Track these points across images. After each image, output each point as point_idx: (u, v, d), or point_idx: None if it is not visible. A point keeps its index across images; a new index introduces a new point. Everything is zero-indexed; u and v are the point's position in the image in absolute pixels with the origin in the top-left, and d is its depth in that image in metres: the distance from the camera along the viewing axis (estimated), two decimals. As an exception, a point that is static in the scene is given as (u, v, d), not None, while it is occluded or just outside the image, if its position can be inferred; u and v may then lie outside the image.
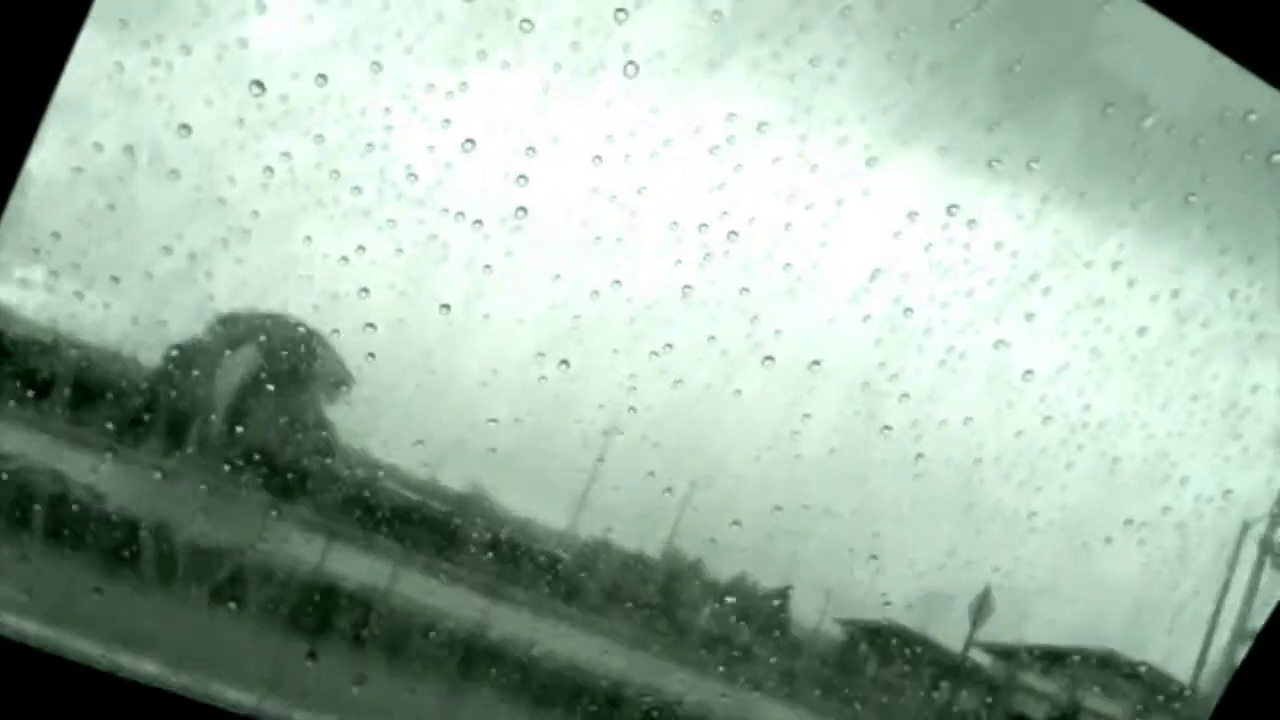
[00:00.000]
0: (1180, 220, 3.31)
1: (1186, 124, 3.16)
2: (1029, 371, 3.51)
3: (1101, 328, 3.49)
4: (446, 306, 3.22)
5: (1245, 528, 4.41)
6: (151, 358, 3.56)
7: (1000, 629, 4.77)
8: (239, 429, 3.79)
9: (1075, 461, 3.72)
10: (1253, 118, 3.13)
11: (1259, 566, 5.20)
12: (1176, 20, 2.71)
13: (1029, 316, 3.41)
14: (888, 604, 3.87)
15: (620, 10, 2.80)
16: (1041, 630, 4.70)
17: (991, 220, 3.26)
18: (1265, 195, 3.28)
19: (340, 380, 4.47)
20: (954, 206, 3.21)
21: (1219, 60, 2.65)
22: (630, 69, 2.91)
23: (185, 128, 2.88)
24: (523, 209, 3.06)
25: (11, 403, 3.48)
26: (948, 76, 3.02)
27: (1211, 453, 3.75)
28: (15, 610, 3.11)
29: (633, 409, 3.38)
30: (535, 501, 3.70)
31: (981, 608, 4.58)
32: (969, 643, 4.83)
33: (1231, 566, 4.74)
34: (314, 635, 3.81)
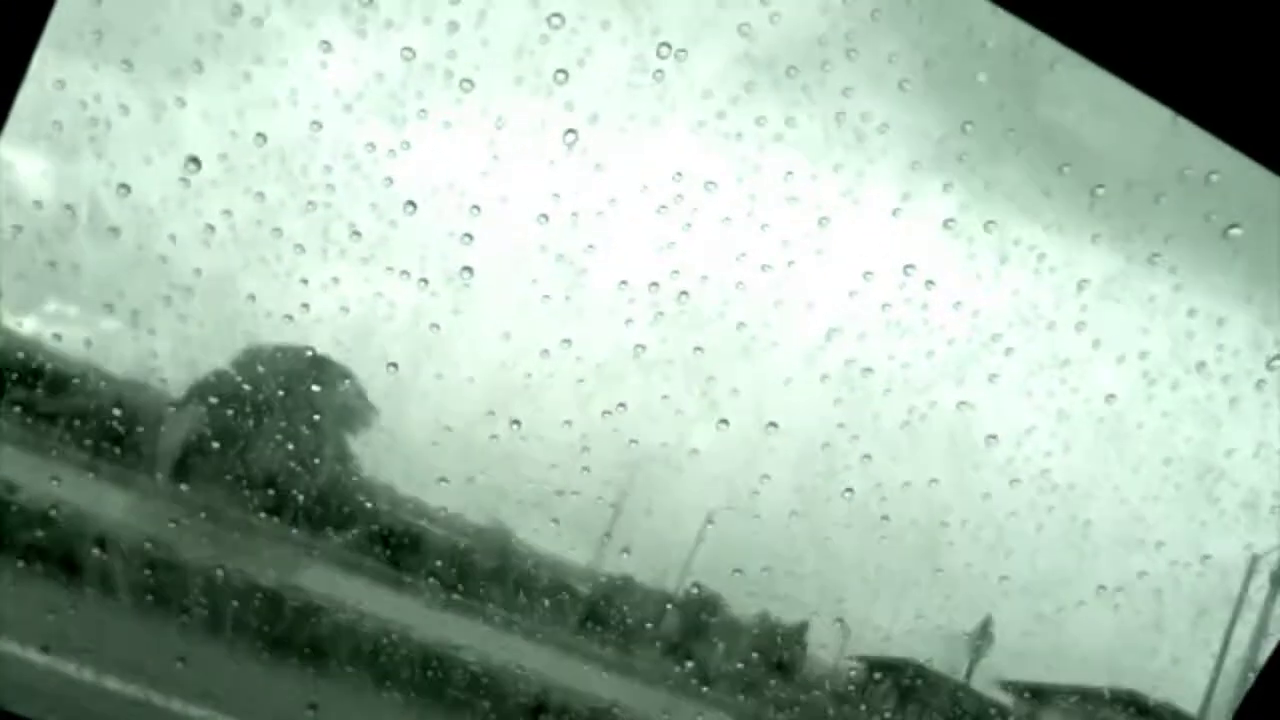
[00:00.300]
0: (1145, 281, 3.24)
1: (1146, 184, 3.09)
2: (993, 435, 3.43)
3: (1067, 389, 3.42)
4: (394, 365, 3.19)
5: (1254, 561, 4.24)
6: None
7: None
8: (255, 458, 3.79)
9: (1045, 524, 3.64)
10: (1215, 178, 3.07)
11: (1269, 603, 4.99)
12: (1131, 82, 2.66)
13: (992, 377, 3.34)
14: (852, 670, 3.78)
15: (560, 71, 2.77)
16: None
17: (949, 280, 3.20)
18: (1231, 256, 3.21)
19: (363, 413, 4.46)
20: (910, 266, 3.15)
21: (1180, 121, 2.59)
22: (574, 128, 2.88)
23: (125, 186, 2.87)
24: (468, 268, 3.03)
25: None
26: (898, 136, 2.98)
27: (1187, 516, 3.66)
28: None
29: (586, 469, 3.32)
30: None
31: (981, 637, 4.46)
32: (970, 670, 4.69)
33: (1235, 613, 4.58)
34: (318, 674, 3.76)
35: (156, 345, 3.08)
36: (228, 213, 2.92)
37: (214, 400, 3.72)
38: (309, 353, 3.84)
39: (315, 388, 3.75)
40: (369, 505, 3.83)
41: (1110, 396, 3.40)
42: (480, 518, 3.38)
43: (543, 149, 2.97)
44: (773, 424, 3.34)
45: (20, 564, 3.28)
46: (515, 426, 3.26)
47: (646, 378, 3.25)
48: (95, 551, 3.45)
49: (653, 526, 3.57)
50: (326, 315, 3.08)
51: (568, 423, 3.27)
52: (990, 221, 3.11)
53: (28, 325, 3.07)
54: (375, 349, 3.15)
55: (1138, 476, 3.57)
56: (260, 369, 3.77)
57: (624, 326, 3.18)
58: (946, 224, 3.10)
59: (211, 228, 2.93)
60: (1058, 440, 3.51)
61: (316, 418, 3.85)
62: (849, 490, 3.50)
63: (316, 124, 2.86)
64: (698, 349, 3.23)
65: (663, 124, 2.96)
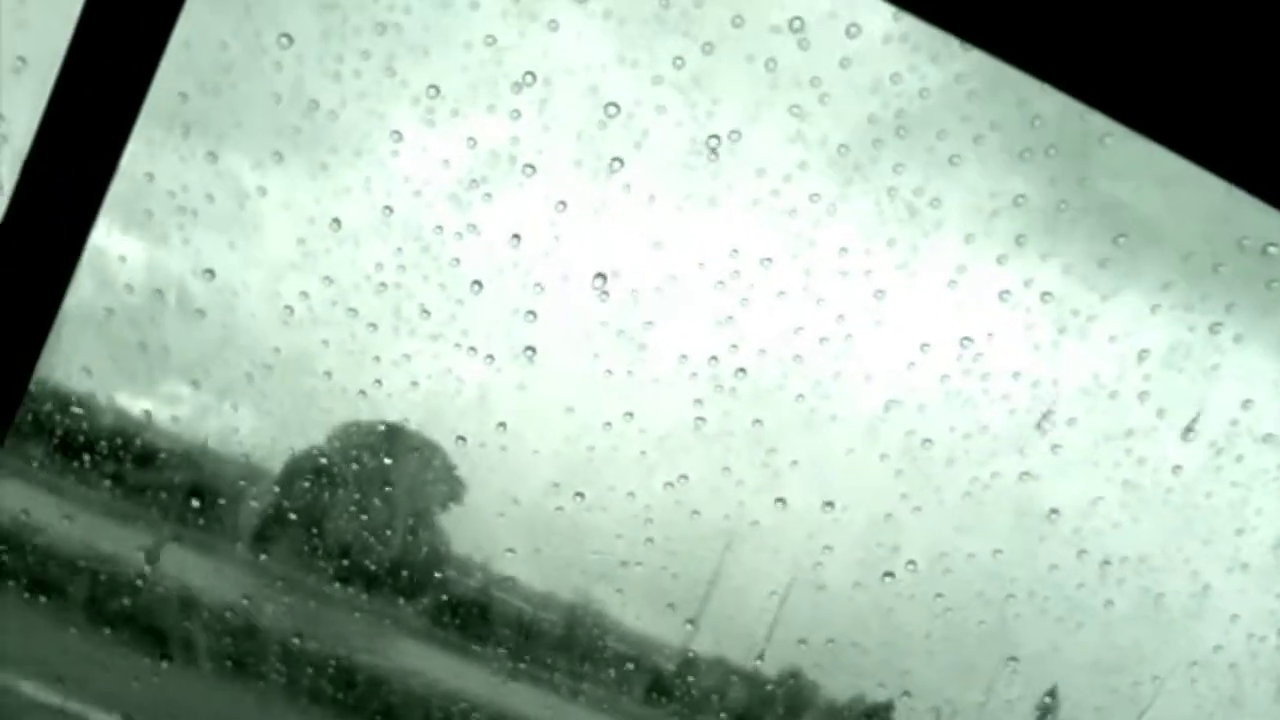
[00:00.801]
0: (1207, 351, 3.23)
1: (1203, 254, 3.11)
2: (1057, 509, 3.42)
3: (1133, 459, 3.40)
4: (462, 439, 3.29)
5: None
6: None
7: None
8: (349, 536, 3.94)
9: (1115, 598, 3.59)
10: (1273, 249, 3.08)
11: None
12: (1182, 153, 2.70)
13: (1054, 448, 3.34)
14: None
15: (616, 159, 2.89)
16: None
17: (1008, 351, 3.23)
18: (1292, 323, 3.19)
19: (455, 491, 4.60)
20: (967, 339, 3.19)
21: (1234, 191, 2.62)
22: (632, 208, 2.99)
23: (210, 271, 3.04)
24: (531, 347, 3.13)
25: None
26: (950, 210, 3.03)
27: (1261, 589, 3.59)
28: None
29: (650, 540, 3.38)
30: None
31: (1046, 708, 4.37)
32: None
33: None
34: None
35: (239, 420, 3.22)
36: (305, 294, 3.07)
37: (292, 472, 3.87)
38: (381, 426, 3.99)
39: (389, 460, 3.88)
40: (439, 575, 3.93)
41: (1177, 467, 3.37)
42: (547, 587, 3.45)
43: (602, 229, 3.08)
44: (830, 502, 3.38)
45: (107, 631, 3.43)
46: (579, 499, 3.34)
47: (708, 450, 3.31)
48: (180, 620, 3.58)
49: (718, 596, 3.60)
50: (397, 390, 3.21)
51: (631, 494, 3.34)
52: (1047, 293, 3.14)
53: (119, 402, 3.23)
54: (444, 423, 3.26)
55: (1209, 548, 3.52)
56: (337, 443, 3.92)
57: (684, 399, 3.25)
58: (1002, 296, 3.14)
59: (290, 309, 3.08)
60: (1126, 512, 3.48)
61: (390, 489, 3.98)
62: (912, 563, 3.51)
63: (388, 209, 3.01)
64: (757, 421, 3.29)
65: (718, 203, 3.06)
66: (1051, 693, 4.04)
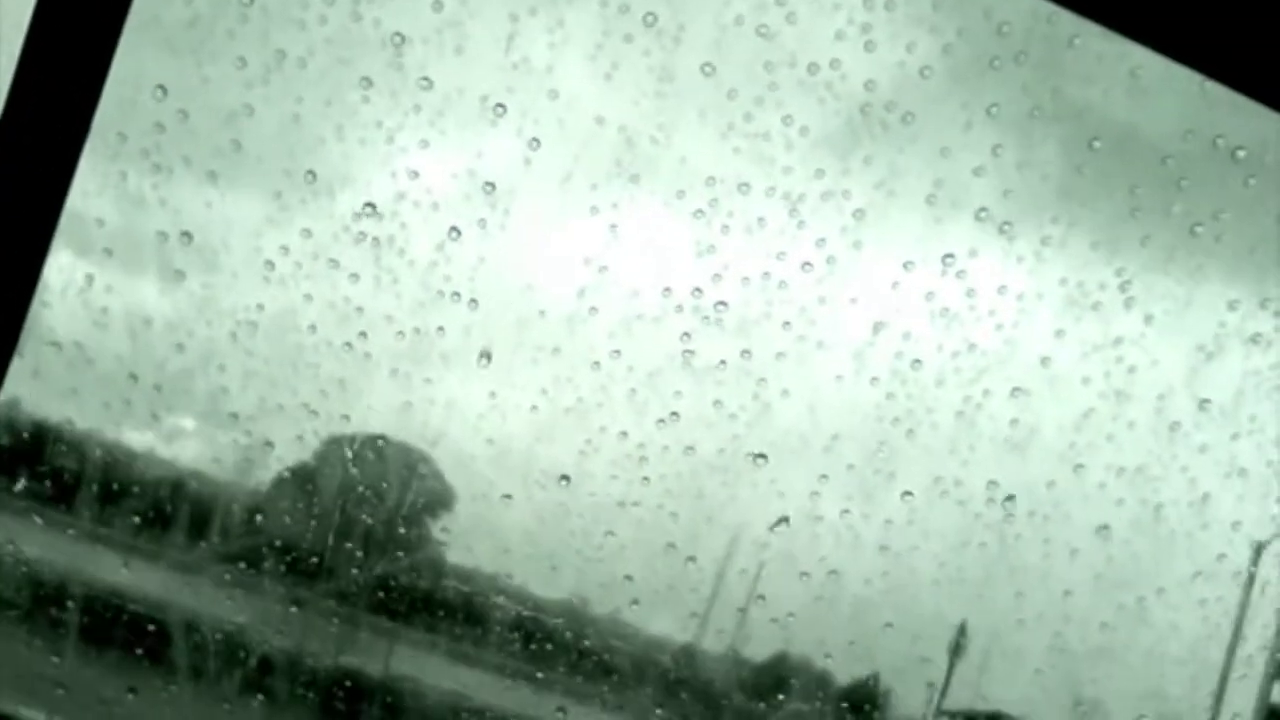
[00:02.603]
0: (1190, 253, 3.23)
1: (1181, 155, 3.10)
2: (1051, 420, 3.42)
3: (1123, 368, 3.39)
4: (443, 354, 3.26)
5: (1259, 549, 4.09)
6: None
7: (1067, 686, 4.54)
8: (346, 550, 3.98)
9: (1113, 512, 3.59)
10: (1243, 152, 3.08)
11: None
12: (1154, 47, 2.68)
13: (1044, 360, 3.34)
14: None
15: (590, 79, 2.89)
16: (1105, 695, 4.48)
17: (990, 265, 3.22)
18: (1274, 221, 3.19)
19: (444, 500, 4.61)
20: (949, 256, 3.19)
21: (1208, 85, 2.62)
22: (605, 141, 2.99)
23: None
24: (515, 288, 3.13)
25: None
26: (924, 125, 3.03)
27: (1261, 494, 3.58)
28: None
29: (646, 479, 3.38)
30: (548, 580, 3.69)
31: (957, 643, 4.37)
32: (945, 685, 4.54)
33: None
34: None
35: (227, 381, 3.22)
36: (284, 248, 3.07)
37: (293, 493, 3.90)
38: (381, 441, 4.00)
39: (387, 473, 3.90)
40: (444, 584, 3.97)
41: (1166, 374, 3.37)
42: (542, 527, 3.44)
43: (577, 164, 3.08)
44: (827, 423, 3.37)
45: (106, 654, 3.44)
46: (570, 440, 3.34)
47: (698, 384, 3.31)
48: (186, 641, 3.60)
49: (714, 538, 3.60)
50: (382, 343, 3.20)
51: (623, 433, 3.34)
52: (1025, 202, 3.14)
53: (138, 440, 3.29)
54: (431, 376, 3.25)
55: (1206, 455, 3.52)
56: (335, 458, 3.94)
57: (670, 334, 3.25)
58: (980, 210, 3.14)
59: (271, 264, 3.08)
60: (1119, 423, 3.48)
61: (390, 503, 4.01)
62: (909, 493, 3.51)
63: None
64: (745, 352, 3.28)
65: (692, 131, 3.05)
66: (961, 628, 4.05)
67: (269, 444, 3.34)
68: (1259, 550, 4.09)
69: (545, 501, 3.33)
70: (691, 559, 3.51)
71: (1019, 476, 3.52)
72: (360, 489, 4.06)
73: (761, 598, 3.78)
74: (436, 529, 4.53)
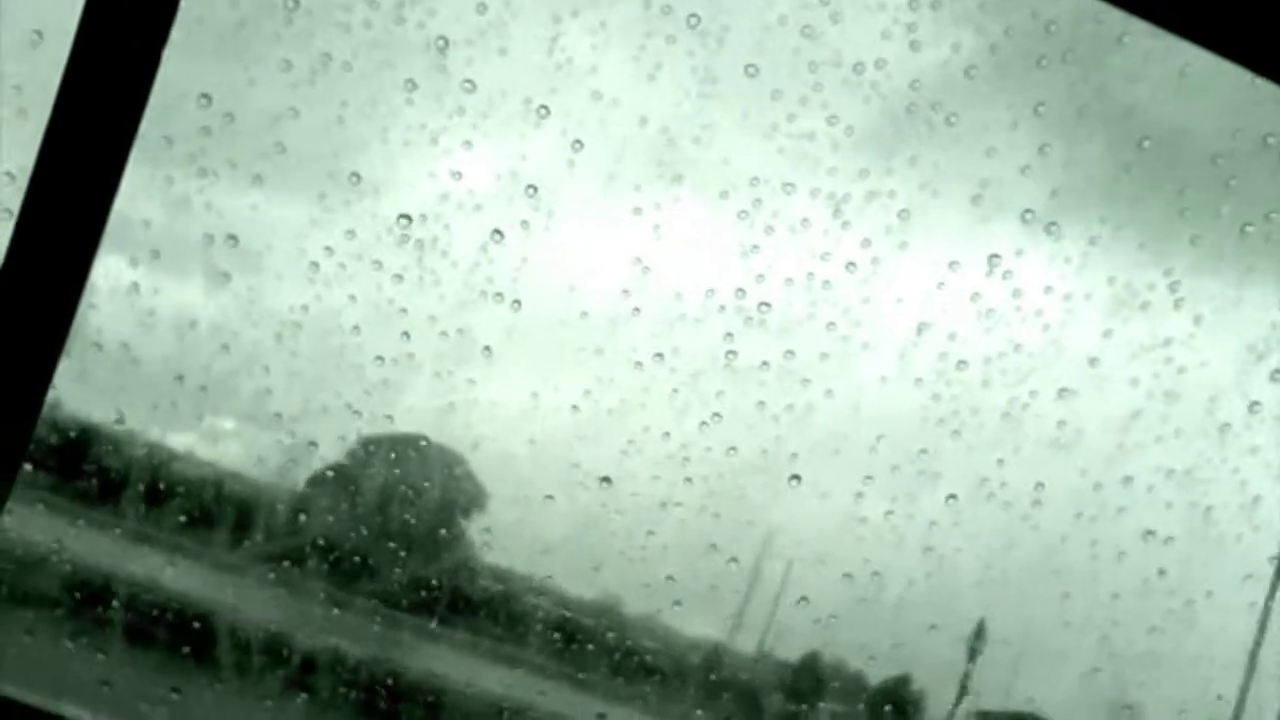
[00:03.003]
0: (1240, 253, 3.18)
1: (1230, 154, 3.06)
2: (1098, 422, 3.38)
3: (1172, 369, 3.35)
4: (488, 348, 3.24)
5: None
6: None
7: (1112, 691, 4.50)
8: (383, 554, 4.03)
9: (1162, 515, 3.54)
10: (1301, 139, 3.03)
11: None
12: (1203, 44, 2.65)
13: (1092, 362, 3.30)
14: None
15: (633, 80, 2.88)
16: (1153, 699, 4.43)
17: (1037, 265, 3.19)
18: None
19: (479, 501, 4.64)
20: (995, 256, 3.16)
21: (1259, 83, 2.58)
22: (649, 141, 2.98)
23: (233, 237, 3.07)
24: (557, 289, 3.13)
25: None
26: (970, 125, 3.00)
27: (1313, 496, 3.53)
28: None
29: (689, 479, 3.37)
30: (589, 580, 3.69)
31: (977, 640, 4.34)
32: (962, 686, 4.49)
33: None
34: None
35: (271, 383, 3.25)
36: (329, 249, 3.09)
37: (334, 492, 3.93)
38: (423, 441, 4.02)
39: (426, 473, 3.93)
40: (480, 583, 3.99)
41: (1219, 372, 3.33)
42: (582, 528, 3.44)
43: (623, 167, 3.08)
44: (870, 424, 3.36)
45: (161, 654, 3.48)
46: (613, 441, 3.34)
47: (740, 385, 3.30)
48: (230, 640, 3.63)
49: (755, 538, 3.59)
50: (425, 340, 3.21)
51: (666, 434, 3.34)
52: (1073, 202, 3.11)
53: (183, 441, 3.32)
54: (471, 357, 3.26)
55: (1256, 457, 3.47)
56: (374, 459, 3.97)
57: (713, 335, 3.24)
58: (1026, 210, 3.11)
59: (315, 264, 3.10)
60: (1168, 425, 3.44)
61: (429, 502, 4.03)
62: (953, 496, 3.48)
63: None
64: (789, 353, 3.27)
65: (736, 131, 3.04)
66: (979, 629, 4.01)
67: (313, 444, 3.36)
68: None
69: (587, 501, 3.33)
70: (734, 560, 3.50)
71: (1066, 479, 3.48)
72: (400, 488, 4.09)
73: (804, 599, 3.76)
74: (474, 529, 4.56)
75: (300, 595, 3.93)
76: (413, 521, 4.13)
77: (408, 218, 3.09)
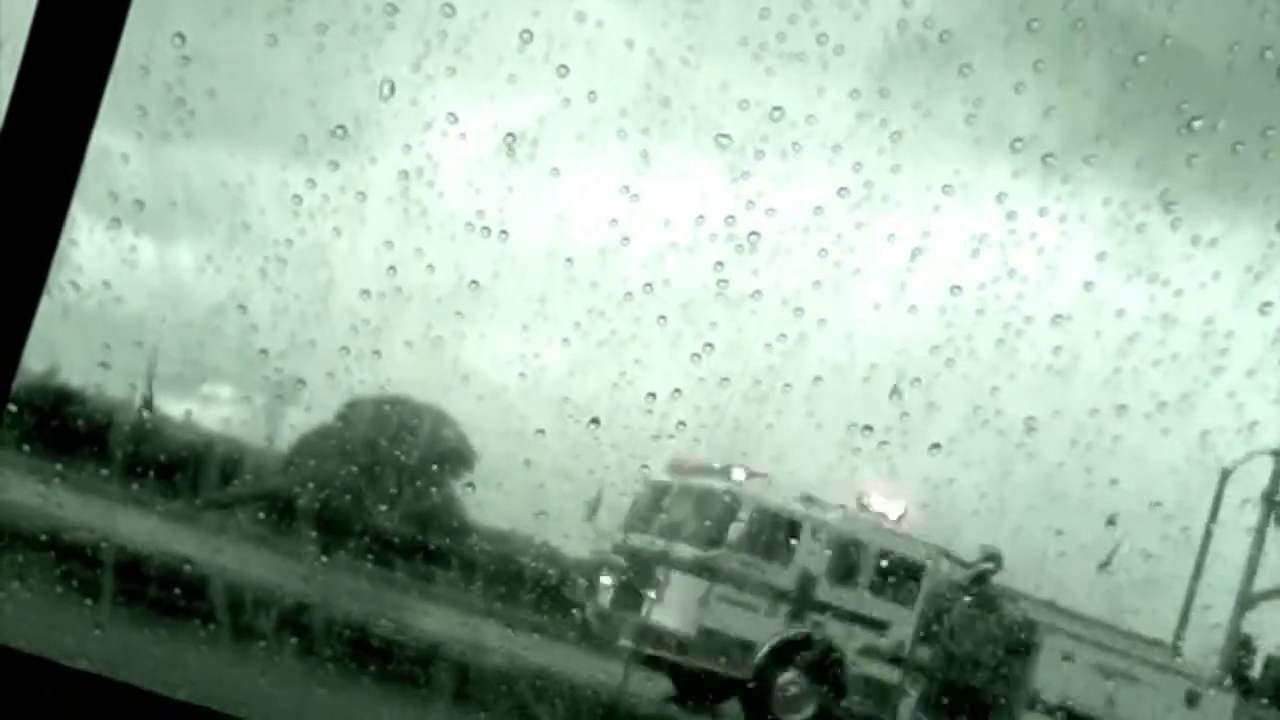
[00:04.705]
0: (1236, 171, 3.13)
1: (1225, 70, 3.00)
2: (1092, 351, 3.35)
3: (1169, 292, 3.32)
4: (475, 282, 3.19)
5: (1224, 476, 3.92)
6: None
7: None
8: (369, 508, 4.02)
9: (1159, 440, 3.53)
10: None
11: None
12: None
13: (1087, 285, 3.26)
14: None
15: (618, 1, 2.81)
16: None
17: (1032, 187, 3.14)
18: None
19: (466, 458, 4.61)
20: (988, 178, 3.11)
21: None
22: (633, 63, 2.92)
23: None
24: (546, 217, 3.08)
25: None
26: (963, 42, 2.94)
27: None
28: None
29: (680, 419, 3.34)
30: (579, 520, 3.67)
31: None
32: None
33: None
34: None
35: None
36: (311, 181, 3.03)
37: (319, 453, 3.91)
38: (409, 401, 3.99)
39: (413, 434, 3.90)
40: (471, 543, 4.01)
41: (1217, 294, 3.29)
42: (574, 458, 3.40)
43: (612, 101, 3.01)
44: (864, 351, 3.32)
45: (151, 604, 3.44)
46: (603, 377, 3.30)
47: (732, 315, 3.26)
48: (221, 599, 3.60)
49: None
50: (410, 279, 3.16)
51: (657, 366, 3.30)
52: (1067, 119, 3.06)
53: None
54: (458, 300, 3.21)
55: (1253, 380, 3.44)
56: (362, 420, 3.94)
57: (703, 263, 3.19)
58: (1021, 130, 3.06)
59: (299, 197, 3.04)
60: (1165, 349, 3.41)
61: (417, 463, 4.02)
62: (948, 441, 3.46)
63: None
64: (780, 281, 3.23)
65: (723, 51, 2.98)
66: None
67: (300, 381, 3.32)
68: (1225, 477, 3.99)
69: (579, 436, 3.30)
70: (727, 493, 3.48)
71: (1062, 405, 3.46)
72: (384, 447, 4.07)
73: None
74: (459, 486, 4.56)
75: (289, 551, 3.93)
76: (399, 479, 4.12)
77: (392, 147, 3.03)
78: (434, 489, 4.35)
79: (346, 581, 4.06)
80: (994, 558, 4.56)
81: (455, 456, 4.57)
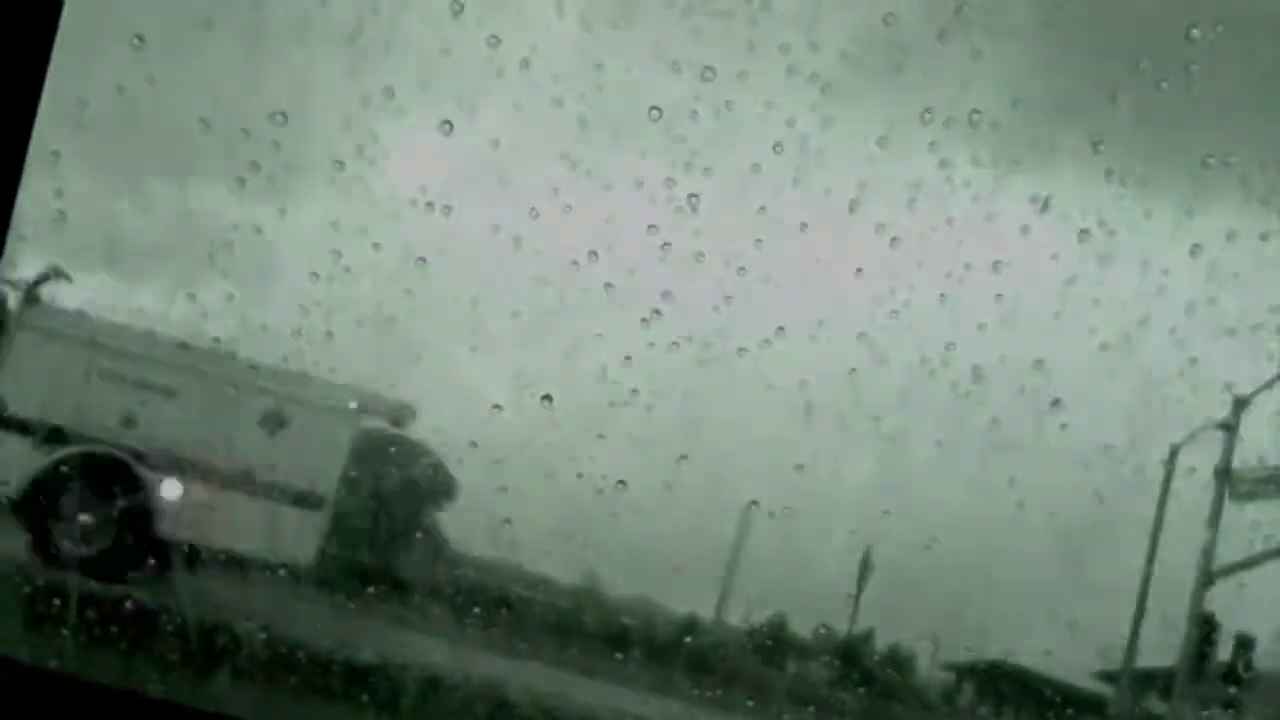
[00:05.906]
0: (1163, 107, 3.20)
1: (1149, 6, 3.07)
2: (1034, 296, 3.40)
3: (1105, 231, 3.36)
4: (423, 259, 3.19)
5: (1173, 454, 3.98)
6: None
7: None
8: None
9: (1106, 383, 3.58)
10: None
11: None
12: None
13: (1024, 230, 3.31)
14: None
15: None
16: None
17: (962, 134, 3.19)
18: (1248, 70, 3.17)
19: (449, 491, 4.61)
20: (920, 127, 3.15)
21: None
22: (564, 26, 2.96)
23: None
24: (488, 180, 3.11)
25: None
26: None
27: (1252, 353, 3.58)
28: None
29: (633, 386, 3.35)
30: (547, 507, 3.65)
31: (864, 568, 4.44)
32: (856, 598, 4.53)
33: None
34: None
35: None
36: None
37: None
38: (392, 437, 3.99)
39: (399, 470, 3.92)
40: (471, 576, 4.05)
41: (1151, 231, 3.35)
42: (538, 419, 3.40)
43: (538, 52, 3.05)
44: (810, 310, 3.36)
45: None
46: (550, 351, 3.32)
47: (676, 276, 3.28)
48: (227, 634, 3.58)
49: (706, 435, 3.59)
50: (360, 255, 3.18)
51: (599, 336, 3.32)
52: (994, 63, 3.12)
53: None
54: (405, 275, 3.23)
55: (1192, 317, 3.49)
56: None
57: (645, 228, 3.21)
58: (948, 81, 3.11)
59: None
60: (1104, 289, 3.46)
61: (405, 499, 4.04)
62: (901, 412, 3.48)
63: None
64: (723, 240, 3.26)
65: (654, 13, 3.03)
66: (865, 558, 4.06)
67: (253, 368, 3.32)
68: (1174, 454, 4.05)
69: (533, 409, 3.31)
70: (683, 458, 3.50)
71: (1006, 352, 3.50)
72: (367, 481, 4.09)
73: (755, 503, 3.78)
74: (444, 519, 4.58)
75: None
76: (381, 513, 4.15)
77: (331, 127, 3.06)
78: (418, 518, 4.40)
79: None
80: None
81: (438, 487, 4.59)
